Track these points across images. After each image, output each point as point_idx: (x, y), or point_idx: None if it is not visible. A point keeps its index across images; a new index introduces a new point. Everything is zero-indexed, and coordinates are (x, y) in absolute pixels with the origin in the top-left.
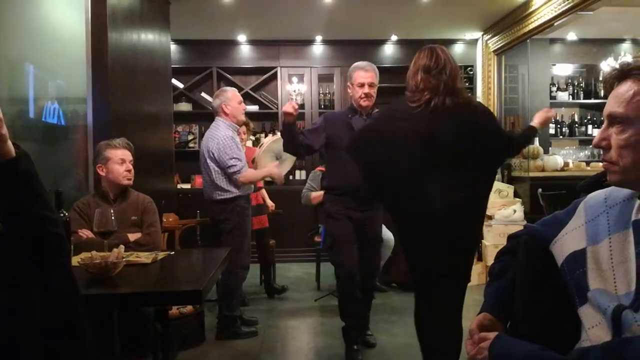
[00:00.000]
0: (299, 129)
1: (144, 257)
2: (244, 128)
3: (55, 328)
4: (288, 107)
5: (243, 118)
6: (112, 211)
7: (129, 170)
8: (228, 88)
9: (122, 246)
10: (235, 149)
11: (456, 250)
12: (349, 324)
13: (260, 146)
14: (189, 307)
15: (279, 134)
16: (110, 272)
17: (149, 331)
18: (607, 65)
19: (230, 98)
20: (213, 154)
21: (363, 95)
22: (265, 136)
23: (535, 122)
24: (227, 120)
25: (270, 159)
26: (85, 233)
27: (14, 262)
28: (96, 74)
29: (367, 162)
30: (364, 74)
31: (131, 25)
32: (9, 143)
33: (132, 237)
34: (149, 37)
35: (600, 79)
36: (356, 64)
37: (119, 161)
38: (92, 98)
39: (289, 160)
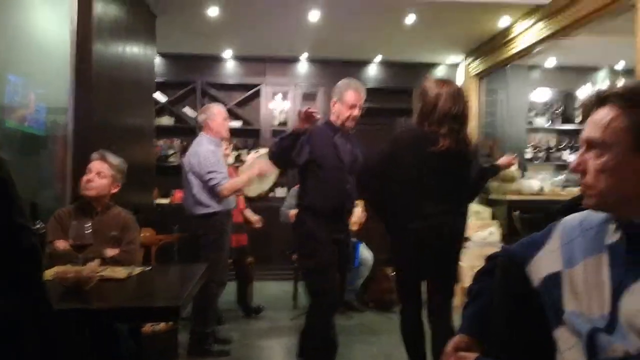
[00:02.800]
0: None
1: (119, 272)
2: (226, 145)
3: (26, 340)
4: (312, 114)
5: (227, 134)
6: (88, 225)
7: (89, 181)
8: (214, 104)
9: (97, 260)
10: (216, 162)
11: (448, 258)
12: (324, 348)
13: (244, 164)
14: (162, 325)
15: (261, 150)
16: (84, 286)
17: (122, 349)
18: (584, 92)
19: (216, 114)
20: (194, 168)
21: (352, 117)
22: (248, 152)
23: (500, 162)
24: (210, 136)
25: (255, 178)
26: (62, 244)
27: None
28: (79, 85)
29: (378, 184)
30: (356, 96)
31: (117, 36)
32: None
33: (110, 252)
34: (134, 49)
35: (577, 105)
36: (348, 81)
37: (87, 171)
38: (74, 108)
39: (272, 177)
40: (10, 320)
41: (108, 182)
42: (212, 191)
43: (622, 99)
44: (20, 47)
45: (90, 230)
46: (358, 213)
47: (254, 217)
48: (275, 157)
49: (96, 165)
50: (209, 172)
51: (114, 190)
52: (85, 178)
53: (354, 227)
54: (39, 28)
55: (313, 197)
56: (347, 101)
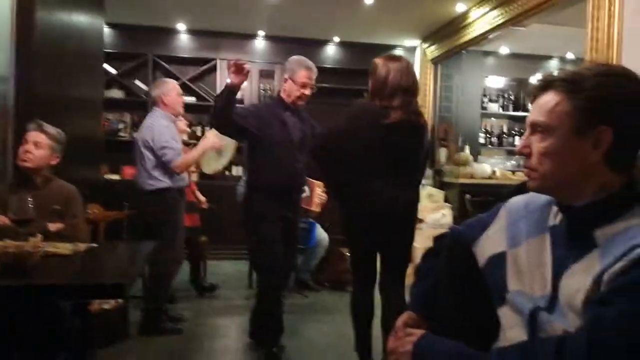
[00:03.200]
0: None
1: (63, 248)
2: (184, 121)
3: None
4: (241, 65)
5: (181, 110)
6: (30, 198)
7: (26, 151)
8: (168, 79)
9: (39, 235)
10: (170, 138)
11: (401, 230)
12: (272, 327)
13: (203, 139)
14: (113, 303)
15: (214, 131)
16: (25, 262)
17: (66, 327)
18: (536, 80)
19: (170, 89)
20: (148, 143)
21: (303, 96)
22: (202, 129)
23: None
24: (165, 111)
25: (213, 154)
26: (1, 219)
27: None
28: (20, 53)
29: (333, 160)
30: (309, 75)
31: (62, 4)
32: None
33: (53, 227)
34: (80, 18)
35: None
36: (300, 59)
37: (23, 142)
38: (15, 78)
39: (229, 153)
40: None
41: (46, 153)
42: (166, 167)
43: (566, 84)
44: None
45: (32, 204)
46: (319, 194)
47: (201, 197)
48: (215, 120)
49: (33, 135)
50: (163, 148)
51: (53, 162)
52: (22, 149)
53: (316, 209)
54: None
55: (260, 175)
56: (298, 80)
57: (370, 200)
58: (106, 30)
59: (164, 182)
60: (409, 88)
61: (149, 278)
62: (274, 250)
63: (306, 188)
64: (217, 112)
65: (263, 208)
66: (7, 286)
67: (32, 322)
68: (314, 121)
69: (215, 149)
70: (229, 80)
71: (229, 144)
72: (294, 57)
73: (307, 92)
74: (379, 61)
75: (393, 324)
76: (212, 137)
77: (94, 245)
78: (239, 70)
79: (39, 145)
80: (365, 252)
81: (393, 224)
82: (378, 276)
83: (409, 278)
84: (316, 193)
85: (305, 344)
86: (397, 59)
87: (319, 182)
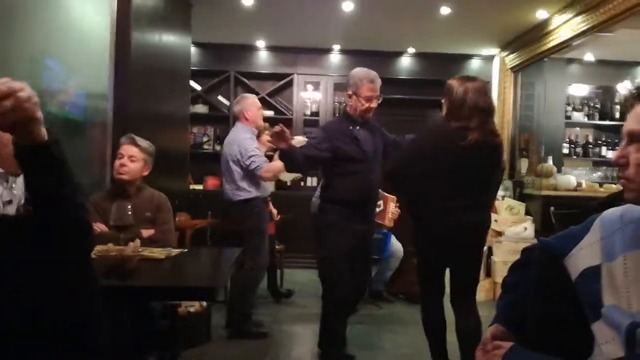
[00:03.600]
0: (306, 142)
1: (158, 252)
2: (267, 137)
3: (74, 313)
4: (281, 138)
5: (262, 123)
6: (129, 206)
7: (122, 165)
8: (248, 95)
9: (138, 240)
10: (255, 147)
11: (469, 251)
12: (333, 347)
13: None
14: (197, 306)
15: (297, 138)
16: (125, 265)
17: (157, 328)
18: (624, 88)
19: (250, 104)
20: (235, 156)
21: (369, 109)
22: None
23: None
24: (247, 126)
25: None
26: (100, 227)
27: (43, 245)
28: (118, 72)
29: (406, 180)
30: (373, 87)
31: (154, 26)
32: (43, 127)
33: (145, 233)
34: (170, 38)
35: (617, 100)
36: (363, 72)
37: (119, 155)
38: (113, 95)
39: None
40: (60, 295)
41: (140, 166)
42: (252, 176)
43: None
44: (60, 35)
45: (131, 211)
46: (392, 209)
47: (273, 210)
48: (291, 171)
49: (127, 149)
50: (250, 157)
51: (145, 173)
52: (117, 162)
53: (389, 224)
54: (80, 16)
55: (336, 190)
56: (363, 94)
57: (439, 221)
58: (192, 49)
59: (251, 192)
60: (487, 108)
61: (237, 284)
62: (340, 263)
63: (380, 202)
64: (289, 168)
65: (335, 220)
66: (110, 286)
67: (129, 322)
68: (384, 130)
69: None
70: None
71: None
72: (356, 70)
73: (373, 104)
74: (454, 82)
75: (469, 339)
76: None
77: (185, 250)
78: (281, 137)
79: (134, 159)
80: (432, 269)
81: (461, 245)
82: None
83: (487, 293)
84: (389, 208)
85: (380, 354)
86: (473, 79)
87: (392, 196)
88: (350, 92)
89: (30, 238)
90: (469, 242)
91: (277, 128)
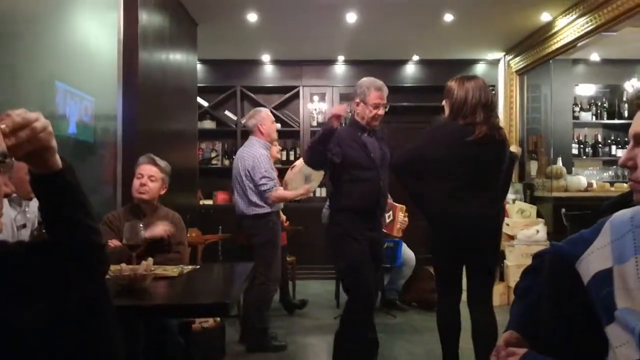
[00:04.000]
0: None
1: (171, 270)
2: (277, 147)
3: (90, 335)
4: (340, 110)
5: (276, 136)
6: (141, 225)
7: (142, 185)
8: (261, 109)
9: (150, 259)
10: (269, 168)
11: (485, 245)
12: (361, 351)
13: (292, 168)
14: (211, 322)
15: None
16: (139, 284)
17: (173, 345)
18: (631, 86)
19: (265, 118)
20: (249, 172)
21: (377, 116)
22: (287, 154)
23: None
24: (262, 140)
25: (301, 179)
26: (115, 243)
27: (59, 268)
28: (126, 92)
29: (416, 177)
30: (380, 95)
31: (160, 45)
32: (57, 156)
33: (160, 229)
34: (177, 57)
35: (624, 99)
36: (370, 81)
37: (138, 175)
38: (122, 115)
39: (317, 180)
40: (78, 317)
41: (159, 185)
42: (261, 195)
43: None
44: (70, 56)
45: (143, 230)
46: (401, 219)
47: (282, 216)
48: (311, 159)
49: (147, 169)
50: (263, 177)
51: (163, 192)
52: (137, 182)
53: (397, 234)
54: (88, 38)
55: (347, 198)
56: (370, 102)
57: (453, 217)
58: (198, 66)
59: (264, 207)
60: (488, 103)
61: (251, 299)
62: (366, 271)
63: (390, 213)
64: (314, 152)
65: (351, 229)
66: (124, 306)
67: (144, 340)
68: (388, 140)
69: (305, 175)
70: (328, 124)
71: (317, 173)
72: (364, 79)
73: (381, 112)
74: (453, 83)
75: (485, 340)
76: (301, 166)
77: (197, 267)
78: (339, 118)
79: (153, 178)
80: (449, 267)
81: (476, 239)
82: (465, 293)
83: (501, 297)
84: (398, 218)
85: None
86: (472, 77)
87: (401, 205)
88: (358, 100)
89: (45, 261)
90: (483, 236)
91: (339, 110)
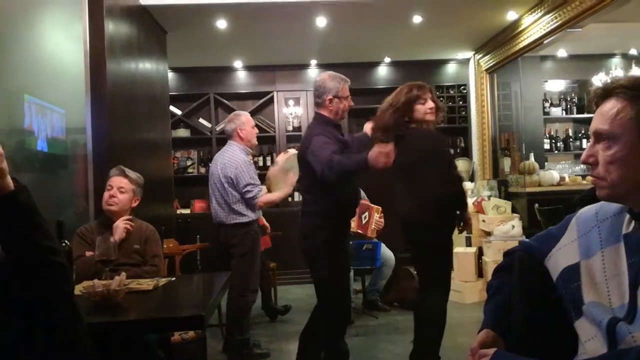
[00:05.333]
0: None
1: (146, 283)
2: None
3: (60, 354)
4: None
5: (256, 142)
6: (112, 239)
7: (111, 196)
8: (241, 112)
9: (123, 274)
10: (253, 174)
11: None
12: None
13: (274, 165)
14: (191, 333)
15: (291, 150)
16: (112, 299)
17: (153, 359)
18: (599, 80)
19: (245, 122)
20: (232, 179)
21: (348, 108)
22: (263, 159)
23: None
24: (242, 145)
25: (284, 175)
26: (91, 255)
27: (19, 290)
28: (95, 104)
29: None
30: (347, 86)
31: (129, 55)
32: (8, 177)
33: (120, 229)
34: (146, 66)
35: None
36: (333, 74)
37: (108, 187)
38: (92, 127)
39: (296, 174)
40: (46, 338)
41: (129, 197)
42: (248, 202)
43: (628, 90)
44: (36, 70)
45: (115, 244)
46: (377, 220)
47: (265, 223)
48: (336, 176)
49: (116, 180)
50: (247, 185)
51: (134, 204)
52: (107, 194)
53: (371, 235)
54: (54, 51)
55: (331, 201)
56: (344, 94)
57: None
58: (170, 74)
59: (247, 215)
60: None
61: (231, 310)
62: (345, 280)
63: (366, 214)
64: (344, 173)
65: (338, 235)
66: (97, 323)
67: (123, 355)
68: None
69: (286, 170)
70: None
71: (297, 168)
72: (323, 75)
73: (351, 102)
74: (388, 98)
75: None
76: (283, 162)
77: (172, 278)
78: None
79: (123, 190)
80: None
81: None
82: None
83: (482, 294)
84: (373, 219)
85: None
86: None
87: (377, 206)
88: (330, 97)
89: (6, 283)
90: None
91: (387, 150)
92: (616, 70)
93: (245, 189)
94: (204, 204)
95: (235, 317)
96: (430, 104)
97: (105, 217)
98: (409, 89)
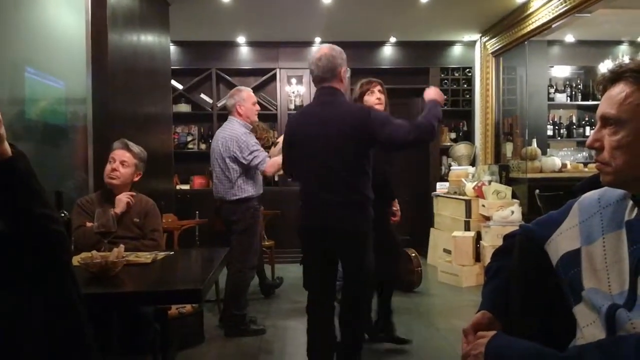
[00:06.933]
0: None
1: (144, 257)
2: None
3: (56, 324)
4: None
5: (256, 119)
6: (112, 212)
7: (113, 170)
8: (243, 88)
9: (122, 246)
10: (255, 142)
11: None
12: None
13: (274, 145)
14: (188, 307)
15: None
16: (110, 271)
17: (149, 331)
18: (605, 67)
19: (245, 98)
20: (233, 153)
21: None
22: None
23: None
24: (241, 120)
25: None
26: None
27: (17, 259)
28: (96, 75)
29: None
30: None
31: (131, 26)
32: (6, 143)
33: (123, 202)
34: (148, 38)
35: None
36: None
37: (110, 160)
38: (92, 99)
39: None
40: (44, 308)
41: (132, 171)
42: (250, 174)
43: (638, 74)
44: (38, 41)
45: (115, 217)
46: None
47: None
48: (430, 136)
49: (120, 154)
50: (252, 152)
51: (136, 179)
52: (109, 167)
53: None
54: (56, 21)
55: (369, 185)
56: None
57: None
58: (172, 48)
59: (248, 191)
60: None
61: (229, 286)
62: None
63: None
64: (434, 131)
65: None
66: (95, 294)
67: (119, 327)
68: None
69: None
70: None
71: None
72: (328, 48)
73: None
74: None
75: None
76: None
77: (171, 253)
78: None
79: (126, 164)
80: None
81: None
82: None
83: (479, 278)
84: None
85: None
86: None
87: None
88: (344, 68)
89: (4, 253)
90: None
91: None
92: (623, 57)
93: (252, 156)
94: (203, 181)
95: (233, 292)
96: (377, 94)
97: (106, 189)
98: (361, 85)
